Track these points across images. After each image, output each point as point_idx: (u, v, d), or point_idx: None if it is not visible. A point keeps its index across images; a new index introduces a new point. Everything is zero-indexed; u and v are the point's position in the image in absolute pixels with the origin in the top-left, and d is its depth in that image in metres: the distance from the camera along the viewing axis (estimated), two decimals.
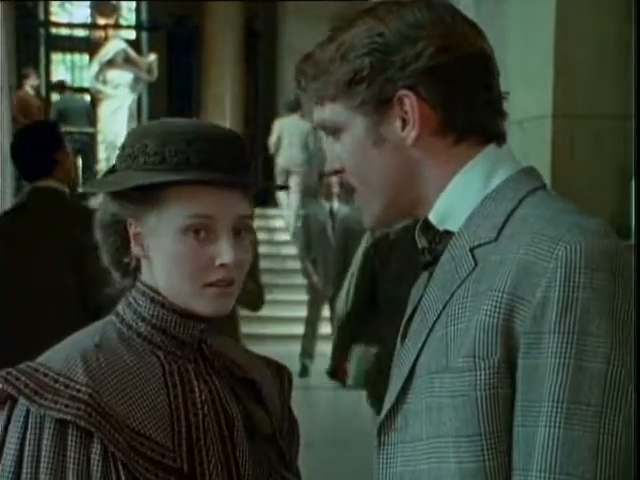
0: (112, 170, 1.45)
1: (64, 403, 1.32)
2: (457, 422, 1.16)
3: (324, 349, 8.55)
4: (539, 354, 1.12)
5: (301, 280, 9.00)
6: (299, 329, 8.79)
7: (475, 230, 1.23)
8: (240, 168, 1.40)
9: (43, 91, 14.02)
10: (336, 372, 4.59)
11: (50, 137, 4.17)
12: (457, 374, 1.16)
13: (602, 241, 1.14)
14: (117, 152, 1.45)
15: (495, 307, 1.15)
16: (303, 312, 8.91)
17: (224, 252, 1.37)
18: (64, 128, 11.51)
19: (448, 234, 1.27)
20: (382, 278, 3.95)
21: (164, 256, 1.39)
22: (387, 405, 1.27)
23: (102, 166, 12.18)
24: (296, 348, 8.49)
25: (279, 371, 1.60)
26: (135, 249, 1.42)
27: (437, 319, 1.22)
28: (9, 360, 1.45)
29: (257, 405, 1.49)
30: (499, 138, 1.29)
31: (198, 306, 1.40)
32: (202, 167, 1.37)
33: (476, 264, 1.20)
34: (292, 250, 10.57)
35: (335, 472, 5.18)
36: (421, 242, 1.31)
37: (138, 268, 1.44)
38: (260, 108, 14.17)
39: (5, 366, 1.37)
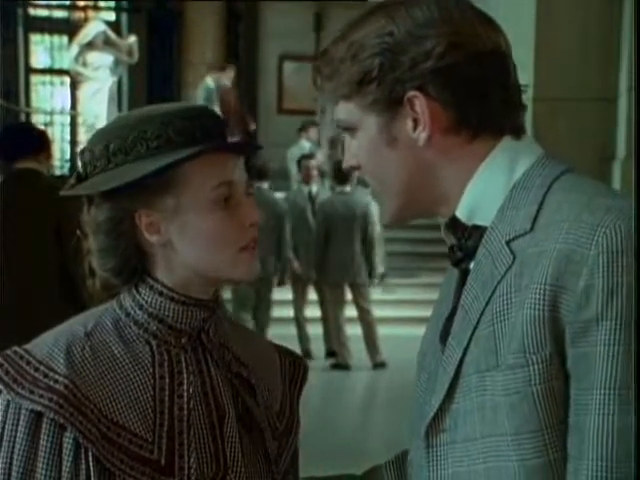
0: (83, 178, 1.40)
1: (39, 393, 1.32)
2: (516, 420, 1.14)
3: (316, 331, 8.71)
4: (587, 342, 1.11)
5: None
6: (289, 312, 8.82)
7: (509, 222, 1.21)
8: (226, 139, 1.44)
9: (22, 73, 13.90)
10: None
11: (34, 127, 4.29)
12: (509, 371, 1.15)
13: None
14: (82, 160, 1.41)
15: (539, 300, 1.13)
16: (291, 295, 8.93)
17: (251, 212, 1.40)
18: None
19: (477, 229, 1.25)
20: None
21: (193, 233, 1.38)
22: (433, 406, 1.24)
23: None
24: (287, 330, 8.46)
25: (293, 364, 1.58)
26: (152, 239, 1.39)
27: (481, 316, 1.20)
28: None
29: (255, 399, 1.47)
30: (517, 131, 1.27)
31: (237, 273, 1.40)
32: (209, 139, 1.37)
33: (514, 257, 1.18)
34: None
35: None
36: (449, 239, 1.30)
37: (144, 267, 1.42)
38: (241, 91, 14.14)
39: None
